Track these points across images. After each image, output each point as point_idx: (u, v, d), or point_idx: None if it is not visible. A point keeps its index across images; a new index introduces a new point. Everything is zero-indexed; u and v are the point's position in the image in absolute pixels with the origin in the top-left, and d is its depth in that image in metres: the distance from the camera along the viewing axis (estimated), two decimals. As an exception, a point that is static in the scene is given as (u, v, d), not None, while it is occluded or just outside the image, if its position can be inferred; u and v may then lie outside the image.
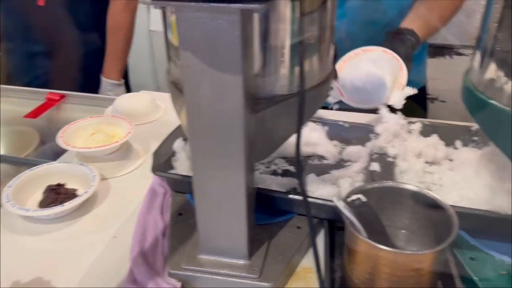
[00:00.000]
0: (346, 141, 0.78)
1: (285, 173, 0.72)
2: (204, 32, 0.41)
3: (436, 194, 0.61)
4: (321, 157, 0.75)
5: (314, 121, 0.81)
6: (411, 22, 0.93)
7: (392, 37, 0.90)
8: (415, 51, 0.90)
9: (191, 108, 0.45)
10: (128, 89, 1.38)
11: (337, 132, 0.80)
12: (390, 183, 0.51)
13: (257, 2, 0.39)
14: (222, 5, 0.39)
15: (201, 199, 0.50)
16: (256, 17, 0.46)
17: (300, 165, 0.48)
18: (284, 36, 0.49)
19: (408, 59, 0.86)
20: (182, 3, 0.40)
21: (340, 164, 0.73)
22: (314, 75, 0.55)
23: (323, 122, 0.81)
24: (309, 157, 0.76)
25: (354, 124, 0.80)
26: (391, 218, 0.52)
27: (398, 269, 0.45)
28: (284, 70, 0.51)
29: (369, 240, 0.44)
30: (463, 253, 0.56)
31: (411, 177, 0.67)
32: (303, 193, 0.48)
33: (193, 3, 0.40)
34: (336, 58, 0.62)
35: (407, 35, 0.90)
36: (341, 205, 0.46)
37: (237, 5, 0.38)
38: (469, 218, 0.56)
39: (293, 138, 0.79)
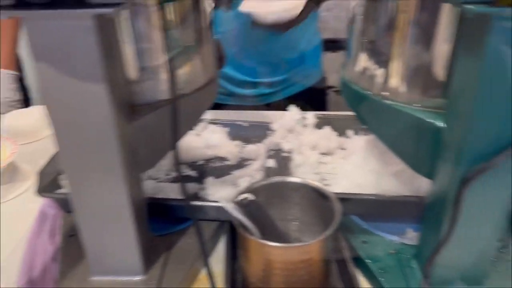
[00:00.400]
0: (247, 140, 0.79)
1: (186, 179, 0.70)
2: (58, 40, 0.38)
3: (321, 183, 0.63)
4: (223, 159, 0.75)
5: (215, 123, 0.81)
6: None
7: None
8: None
9: (56, 122, 0.42)
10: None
11: (238, 132, 0.80)
12: (276, 179, 0.52)
13: (112, 6, 0.37)
14: (72, 11, 0.36)
15: (83, 218, 0.47)
16: (124, 21, 0.44)
17: (180, 171, 0.46)
18: (157, 40, 0.48)
19: None
20: (29, 11, 0.37)
21: (241, 163, 0.74)
22: (197, 77, 0.54)
23: (224, 123, 0.81)
24: (210, 159, 0.75)
25: (253, 122, 0.81)
26: (282, 212, 0.53)
27: (288, 262, 0.46)
28: (163, 74, 0.50)
29: (255, 238, 0.45)
30: (356, 238, 0.58)
31: (306, 169, 0.69)
32: (185, 197, 0.47)
33: (42, 11, 0.37)
34: (222, 59, 0.62)
35: None
36: (228, 206, 0.46)
37: (88, 10, 0.36)
38: (359, 203, 0.59)
39: (194, 142, 0.79)
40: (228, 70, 1.05)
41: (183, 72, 0.52)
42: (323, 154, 0.74)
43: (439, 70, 0.45)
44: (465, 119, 0.40)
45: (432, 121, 0.45)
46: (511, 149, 0.39)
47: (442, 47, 0.44)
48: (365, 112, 0.54)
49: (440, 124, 0.44)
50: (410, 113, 0.47)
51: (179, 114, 0.48)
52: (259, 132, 0.79)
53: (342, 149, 0.75)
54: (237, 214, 0.46)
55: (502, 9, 0.34)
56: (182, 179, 0.67)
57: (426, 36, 0.45)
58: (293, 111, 0.79)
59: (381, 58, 0.50)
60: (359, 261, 0.56)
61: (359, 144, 0.73)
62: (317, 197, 0.51)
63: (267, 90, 1.06)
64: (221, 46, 0.73)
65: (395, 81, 0.49)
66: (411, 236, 0.57)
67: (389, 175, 0.61)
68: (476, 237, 0.46)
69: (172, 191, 0.65)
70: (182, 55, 0.51)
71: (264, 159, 0.70)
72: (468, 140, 0.40)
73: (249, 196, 0.47)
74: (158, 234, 0.59)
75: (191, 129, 0.59)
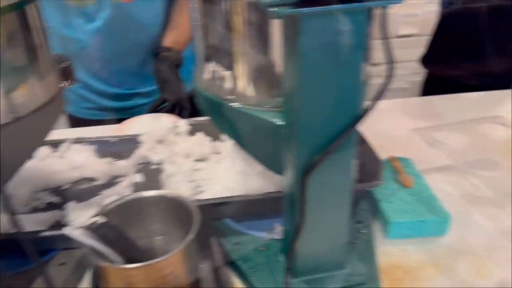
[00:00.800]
0: (118, 156, 0.75)
1: (49, 207, 0.65)
2: None
3: (195, 191, 0.63)
4: (91, 179, 0.71)
5: (79, 142, 0.76)
6: (169, 37, 0.96)
7: (155, 59, 0.92)
8: (180, 65, 0.94)
9: None
10: None
11: (107, 149, 0.76)
12: (130, 196, 0.49)
13: None
14: None
15: None
16: None
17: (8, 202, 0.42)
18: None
19: (173, 78, 0.89)
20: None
21: (111, 182, 0.70)
22: (34, 98, 0.50)
23: (90, 141, 0.77)
24: (77, 182, 0.70)
25: (121, 137, 0.77)
26: (144, 229, 0.51)
27: (151, 280, 0.44)
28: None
29: (109, 263, 0.42)
30: (228, 240, 0.59)
31: (179, 178, 0.67)
32: (18, 229, 0.43)
33: None
34: (70, 74, 0.58)
35: (167, 54, 0.92)
36: (75, 233, 0.43)
37: None
38: (229, 206, 0.60)
39: (57, 166, 0.73)
40: (97, 84, 1.00)
41: (17, 94, 0.48)
42: (198, 160, 0.74)
43: (276, 71, 0.47)
44: (296, 115, 0.42)
45: (274, 120, 0.47)
46: (340, 139, 0.42)
47: (275, 48, 0.46)
48: (218, 118, 0.54)
49: (280, 122, 0.46)
50: (255, 114, 0.48)
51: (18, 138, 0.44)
52: (129, 146, 0.76)
53: (217, 153, 0.75)
54: (87, 240, 0.43)
55: (309, 9, 0.35)
56: (53, 207, 0.62)
57: (260, 38, 0.46)
58: (164, 120, 0.77)
59: (224, 63, 0.50)
60: (234, 264, 0.57)
61: (231, 147, 0.74)
62: (178, 207, 0.50)
63: (142, 101, 1.03)
64: (67, 62, 0.69)
65: (240, 84, 0.50)
66: (278, 231, 0.58)
67: (255, 175, 0.62)
68: (327, 223, 0.48)
69: (31, 222, 0.59)
70: (13, 76, 0.47)
71: (132, 175, 0.68)
72: (301, 134, 0.42)
73: (99, 219, 0.45)
74: (15, 272, 0.53)
75: (35, 149, 0.55)
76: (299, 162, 0.44)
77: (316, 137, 0.42)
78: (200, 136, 0.76)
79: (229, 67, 0.50)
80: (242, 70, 0.49)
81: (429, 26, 1.91)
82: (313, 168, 0.43)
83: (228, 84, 0.51)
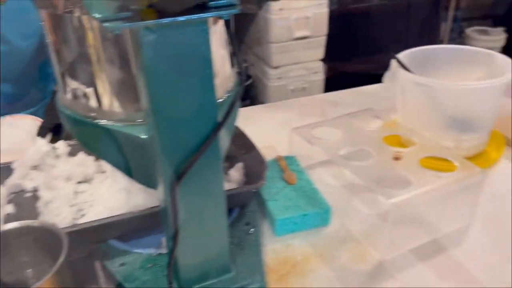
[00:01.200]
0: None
1: None
2: None
3: (78, 214, 0.60)
4: (-43, 217, 0.64)
5: None
6: None
7: None
8: None
9: None
10: None
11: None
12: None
13: None
14: None
15: None
16: None
17: None
18: None
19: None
20: None
21: (-18, 216, 0.64)
22: None
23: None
24: None
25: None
26: (14, 262, 0.47)
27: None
28: None
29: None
30: (113, 262, 0.56)
31: (59, 204, 0.63)
32: None
33: None
34: None
35: None
36: None
37: None
38: (112, 226, 0.57)
39: None
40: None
41: None
42: (80, 182, 0.70)
43: (134, 84, 0.46)
44: (155, 127, 0.41)
45: (139, 134, 0.46)
46: (202, 149, 0.42)
47: (131, 62, 0.45)
48: (85, 137, 0.52)
49: (144, 136, 0.45)
50: (121, 130, 0.47)
51: None
52: (4, 174, 0.70)
53: (102, 172, 0.72)
54: None
55: (144, 22, 0.35)
56: None
57: (116, 52, 0.45)
58: (40, 143, 0.72)
59: (84, 80, 0.48)
60: (120, 286, 0.55)
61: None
62: (45, 236, 0.47)
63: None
64: None
65: (103, 100, 0.48)
66: (165, 245, 0.57)
67: (138, 190, 0.61)
68: (205, 230, 0.49)
69: None
70: None
71: (4, 206, 0.63)
72: (163, 146, 0.42)
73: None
74: None
75: None
76: (165, 174, 0.43)
77: (177, 148, 0.42)
78: (82, 157, 0.73)
79: (90, 83, 0.48)
80: (103, 85, 0.47)
81: (321, 27, 2.03)
82: (179, 180, 0.43)
83: (91, 101, 0.49)
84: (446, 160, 0.65)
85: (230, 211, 0.65)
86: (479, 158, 0.79)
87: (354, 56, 2.13)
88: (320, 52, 2.08)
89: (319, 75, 2.13)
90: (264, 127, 0.94)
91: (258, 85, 2.19)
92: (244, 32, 2.19)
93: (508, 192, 0.72)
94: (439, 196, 0.60)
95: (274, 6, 1.90)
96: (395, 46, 0.89)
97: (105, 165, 0.73)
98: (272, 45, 1.96)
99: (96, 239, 0.59)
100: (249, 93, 2.15)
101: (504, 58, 0.78)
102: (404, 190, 0.58)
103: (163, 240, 0.58)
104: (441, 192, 0.60)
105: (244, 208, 0.66)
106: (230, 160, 0.75)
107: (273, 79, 2.05)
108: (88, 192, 0.68)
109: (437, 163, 0.66)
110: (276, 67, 2.03)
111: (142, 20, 0.35)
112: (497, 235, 0.64)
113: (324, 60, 2.11)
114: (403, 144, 0.75)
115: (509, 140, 0.83)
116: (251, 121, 0.96)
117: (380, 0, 2.12)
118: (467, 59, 0.83)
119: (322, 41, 2.04)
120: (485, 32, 2.59)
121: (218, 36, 0.48)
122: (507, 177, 0.76)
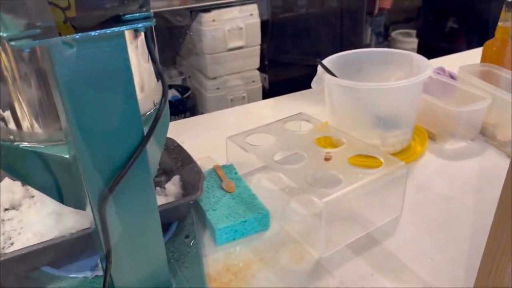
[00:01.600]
0: None
1: None
2: None
3: (6, 243, 0.56)
4: None
5: None
6: None
7: None
8: None
9: None
10: None
11: None
12: None
13: None
14: None
15: None
16: None
17: None
18: None
19: None
20: None
21: None
22: None
23: None
24: None
25: None
26: None
27: None
28: None
29: None
30: (46, 291, 0.54)
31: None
32: None
33: None
34: None
35: None
36: None
37: None
38: (42, 253, 0.55)
39: None
40: None
41: None
42: (7, 209, 0.66)
43: (53, 102, 0.44)
44: (75, 145, 0.40)
45: (61, 154, 0.45)
46: (127, 167, 0.42)
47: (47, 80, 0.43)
48: (7, 162, 0.49)
49: (66, 155, 0.44)
50: (41, 151, 0.45)
51: None
52: None
53: (31, 197, 0.69)
54: None
55: (51, 40, 0.34)
56: None
57: (31, 72, 0.44)
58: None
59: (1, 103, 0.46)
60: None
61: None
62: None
63: None
64: None
65: (22, 122, 0.46)
66: (101, 267, 0.56)
67: (68, 213, 0.58)
68: (138, 248, 0.48)
69: None
70: None
71: None
72: (85, 165, 0.41)
73: None
74: None
75: None
76: (92, 193, 0.42)
77: (102, 165, 0.41)
78: (8, 182, 0.69)
79: (7, 105, 0.46)
80: (20, 107, 0.46)
81: (254, 37, 2.07)
82: (106, 198, 0.42)
83: (10, 124, 0.47)
84: (372, 157, 0.69)
85: (168, 225, 0.65)
86: (405, 153, 0.84)
87: (291, 64, 2.20)
88: (256, 62, 2.12)
89: (256, 84, 2.17)
90: (202, 138, 0.94)
91: (198, 96, 2.19)
92: (179, 44, 2.18)
93: (432, 182, 0.77)
94: (369, 191, 0.64)
95: (206, 18, 1.91)
96: (327, 51, 0.93)
97: (33, 189, 0.70)
98: (207, 56, 1.97)
99: (28, 267, 0.56)
100: (189, 104, 2.14)
101: (421, 57, 0.84)
102: (335, 188, 0.60)
103: (99, 261, 0.56)
104: (370, 188, 0.63)
105: (183, 221, 0.65)
106: (167, 174, 0.75)
107: (211, 90, 2.06)
108: (16, 219, 0.64)
109: (364, 160, 0.70)
110: (213, 78, 2.04)
111: (48, 37, 0.34)
112: (425, 224, 0.68)
113: (263, 68, 2.16)
114: (334, 145, 0.78)
115: (432, 134, 0.90)
116: (189, 133, 0.96)
117: (307, 10, 2.21)
118: (389, 60, 0.89)
119: (256, 50, 2.08)
120: (408, 34, 2.77)
121: (141, 49, 0.48)
122: (430, 169, 0.81)
